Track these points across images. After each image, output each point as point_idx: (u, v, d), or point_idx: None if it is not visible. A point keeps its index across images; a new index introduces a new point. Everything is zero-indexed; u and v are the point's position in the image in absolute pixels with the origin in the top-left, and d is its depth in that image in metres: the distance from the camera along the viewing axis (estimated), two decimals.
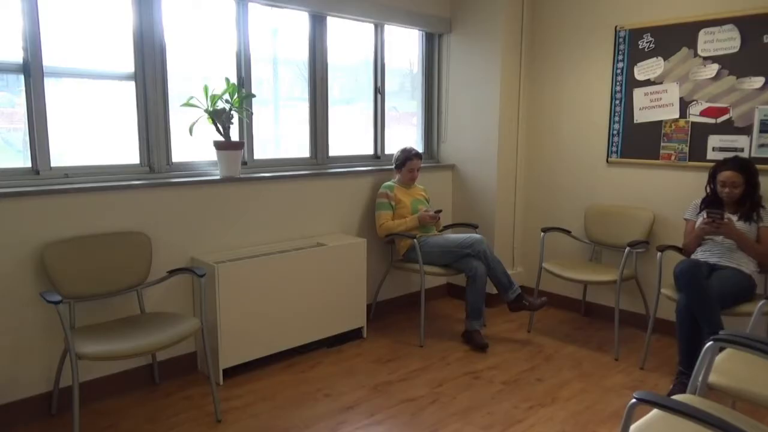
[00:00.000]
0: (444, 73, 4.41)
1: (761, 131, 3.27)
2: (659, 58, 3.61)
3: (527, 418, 2.68)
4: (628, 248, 3.36)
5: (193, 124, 2.99)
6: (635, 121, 3.76)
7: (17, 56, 2.56)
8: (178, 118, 3.06)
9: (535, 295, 3.76)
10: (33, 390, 2.64)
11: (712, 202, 3.17)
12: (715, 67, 3.39)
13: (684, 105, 3.54)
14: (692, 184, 3.50)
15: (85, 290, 2.64)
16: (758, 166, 3.11)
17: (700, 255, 3.16)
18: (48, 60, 2.63)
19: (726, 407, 1.83)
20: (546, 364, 3.29)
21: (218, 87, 3.10)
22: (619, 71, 3.80)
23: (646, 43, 3.65)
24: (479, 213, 4.29)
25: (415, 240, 3.57)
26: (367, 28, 3.98)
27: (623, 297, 3.65)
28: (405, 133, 4.43)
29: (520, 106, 4.27)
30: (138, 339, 2.43)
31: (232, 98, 3.08)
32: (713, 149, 3.44)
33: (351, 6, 3.67)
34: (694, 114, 3.50)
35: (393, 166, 3.86)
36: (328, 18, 3.67)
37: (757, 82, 3.25)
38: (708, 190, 3.21)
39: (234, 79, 3.26)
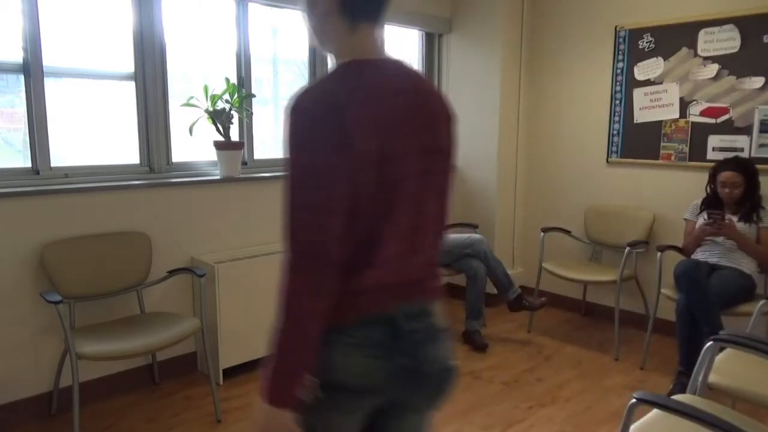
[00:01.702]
0: (444, 73, 4.40)
1: (761, 131, 3.27)
2: (659, 58, 3.61)
3: (527, 418, 2.68)
4: (628, 248, 3.36)
5: (193, 124, 2.99)
6: (635, 121, 3.76)
7: (17, 56, 2.57)
8: (178, 118, 3.06)
9: (535, 295, 3.76)
10: (33, 390, 2.64)
11: (712, 203, 3.17)
12: (715, 67, 3.39)
13: (684, 105, 3.54)
14: (692, 184, 3.50)
15: (85, 290, 2.64)
16: (758, 166, 3.11)
17: (700, 255, 3.16)
18: (48, 60, 2.63)
19: (726, 407, 1.83)
20: (546, 364, 3.29)
21: (218, 87, 3.10)
22: (619, 71, 3.80)
23: (646, 43, 3.65)
24: (479, 213, 4.29)
25: None
26: None
27: (623, 297, 3.65)
28: None
29: (520, 106, 4.27)
30: (138, 339, 2.43)
31: (232, 98, 3.08)
32: (713, 149, 3.44)
33: None
34: (694, 114, 3.50)
35: None
36: None
37: (757, 82, 3.25)
38: (708, 190, 3.21)
39: (234, 79, 3.26)
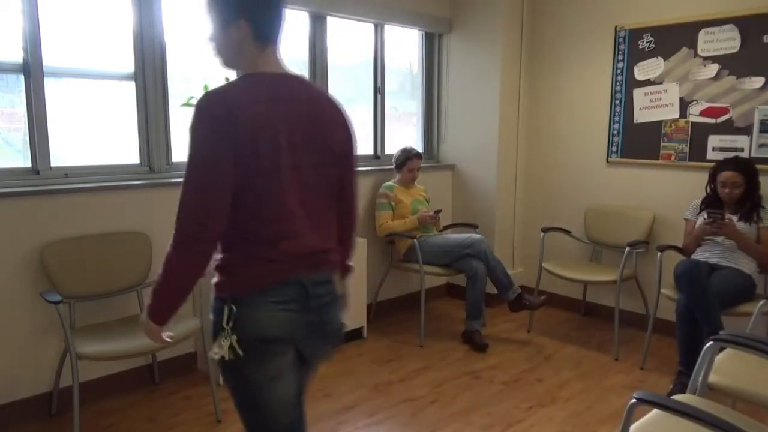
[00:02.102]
0: (444, 73, 4.40)
1: (761, 131, 3.27)
2: (659, 58, 3.61)
3: (527, 418, 2.69)
4: (628, 248, 3.36)
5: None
6: (635, 121, 3.76)
7: (17, 56, 2.57)
8: (178, 118, 3.06)
9: (535, 295, 3.76)
10: (33, 390, 2.64)
11: (712, 203, 3.17)
12: (715, 67, 3.39)
13: (684, 105, 3.54)
14: (692, 184, 3.50)
15: (85, 290, 2.64)
16: (758, 166, 3.11)
17: (700, 255, 3.15)
18: (48, 60, 2.63)
19: (726, 407, 1.84)
20: (546, 364, 3.29)
21: None
22: (619, 71, 3.80)
23: (646, 43, 3.65)
24: (479, 213, 4.29)
25: (415, 240, 3.57)
26: (367, 28, 3.98)
27: (623, 297, 3.65)
28: (405, 133, 4.43)
29: (520, 106, 4.27)
30: (138, 339, 2.43)
31: None
32: (713, 149, 3.44)
33: (351, 6, 3.67)
34: (694, 114, 3.50)
35: (393, 166, 3.86)
36: (328, 18, 3.67)
37: (757, 82, 3.25)
38: (708, 190, 3.21)
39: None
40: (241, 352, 1.35)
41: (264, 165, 1.32)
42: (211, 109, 1.29)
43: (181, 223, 1.33)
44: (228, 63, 1.47)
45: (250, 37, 1.40)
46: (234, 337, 1.35)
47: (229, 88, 1.34)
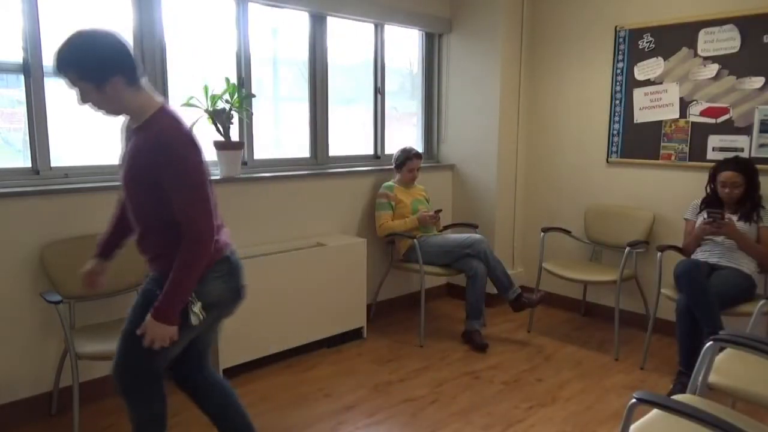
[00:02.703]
0: (444, 73, 4.40)
1: (761, 131, 3.27)
2: (659, 58, 3.61)
3: (527, 418, 2.69)
4: (628, 248, 3.36)
5: (193, 124, 2.98)
6: (635, 121, 3.76)
7: (17, 56, 2.56)
8: None
9: (535, 293, 3.76)
10: (33, 390, 2.64)
11: (712, 203, 3.17)
12: (715, 67, 3.39)
13: (684, 105, 3.54)
14: (692, 184, 3.50)
15: (85, 290, 2.63)
16: (758, 166, 3.11)
17: (700, 255, 3.16)
18: (48, 60, 2.63)
19: (726, 407, 1.83)
20: (546, 364, 3.29)
21: (218, 87, 3.10)
22: (619, 71, 3.80)
23: (646, 43, 3.65)
24: (479, 213, 4.29)
25: (415, 240, 3.57)
26: (367, 28, 3.98)
27: (623, 297, 3.65)
28: (405, 133, 4.43)
29: (520, 106, 4.27)
30: None
31: (232, 98, 3.08)
32: (713, 149, 3.44)
33: (351, 6, 3.67)
34: (694, 114, 3.50)
35: (393, 166, 3.86)
36: (328, 18, 3.67)
37: (757, 82, 3.25)
38: (708, 190, 3.21)
39: (234, 79, 3.26)
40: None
41: (208, 175, 1.74)
42: (189, 138, 1.65)
43: (205, 234, 1.68)
44: (114, 112, 1.69)
45: (125, 86, 1.64)
46: (199, 304, 1.71)
47: (167, 124, 1.66)
